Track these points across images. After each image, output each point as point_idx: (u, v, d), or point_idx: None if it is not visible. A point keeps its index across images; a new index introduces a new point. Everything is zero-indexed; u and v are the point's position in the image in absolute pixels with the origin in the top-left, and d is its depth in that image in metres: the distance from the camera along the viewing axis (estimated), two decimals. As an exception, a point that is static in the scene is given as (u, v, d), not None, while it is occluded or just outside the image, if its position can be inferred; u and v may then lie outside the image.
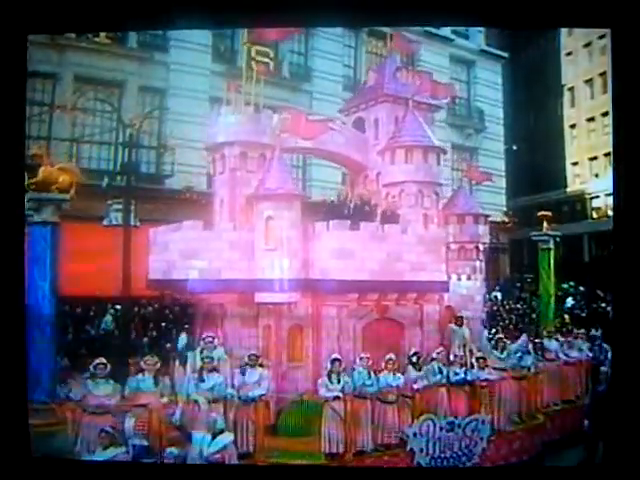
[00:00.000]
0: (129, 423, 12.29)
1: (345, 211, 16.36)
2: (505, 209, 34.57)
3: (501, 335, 17.57)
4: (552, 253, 22.00)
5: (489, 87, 35.27)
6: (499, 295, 29.31)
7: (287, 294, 15.55)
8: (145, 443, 11.95)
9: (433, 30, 32.51)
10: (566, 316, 26.38)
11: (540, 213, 22.95)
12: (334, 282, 15.51)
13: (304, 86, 28.77)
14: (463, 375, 15.65)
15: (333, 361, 14.38)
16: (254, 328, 15.81)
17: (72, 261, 16.29)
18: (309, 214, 16.44)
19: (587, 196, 35.99)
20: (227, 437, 11.88)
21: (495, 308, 26.93)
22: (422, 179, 17.63)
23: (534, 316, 25.74)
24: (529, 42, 35.31)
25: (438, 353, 15.74)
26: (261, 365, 14.32)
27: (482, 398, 15.62)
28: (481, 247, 18.83)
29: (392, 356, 15.04)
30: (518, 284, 32.89)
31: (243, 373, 14.02)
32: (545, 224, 21.87)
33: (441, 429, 14.46)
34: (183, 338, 15.16)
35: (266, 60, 27.39)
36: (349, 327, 16.11)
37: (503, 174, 34.45)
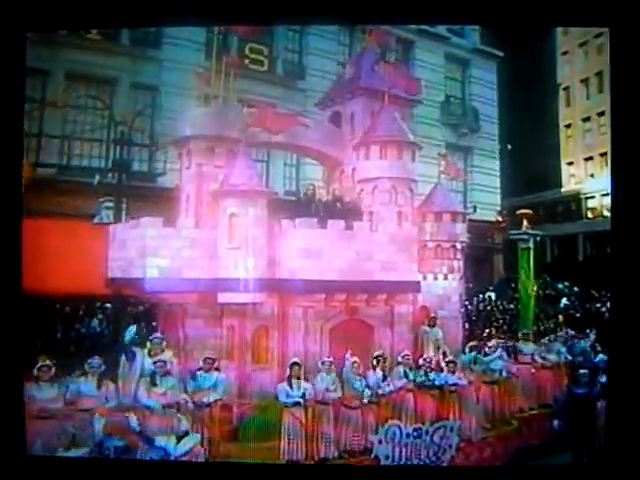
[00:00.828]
0: (99, 424, 11.48)
1: (313, 208, 15.31)
2: (499, 209, 33.44)
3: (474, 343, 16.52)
4: (532, 252, 20.67)
5: (484, 86, 34.24)
6: (493, 295, 28.52)
7: (251, 294, 14.55)
8: (121, 443, 11.20)
9: (428, 28, 31.68)
10: (560, 316, 25.61)
11: (520, 211, 21.86)
12: (300, 282, 14.54)
13: (298, 84, 27.67)
14: (431, 379, 14.65)
15: (292, 365, 13.46)
16: (218, 329, 14.70)
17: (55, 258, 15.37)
18: (278, 211, 15.39)
19: (582, 196, 34.90)
20: (192, 439, 11.63)
21: (489, 308, 26.48)
22: (396, 175, 16.57)
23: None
24: (525, 41, 34.07)
25: (403, 356, 14.75)
26: (217, 369, 13.31)
27: (451, 403, 14.69)
28: (459, 246, 17.76)
29: (356, 359, 14.02)
30: (512, 284, 31.50)
31: (194, 378, 13.05)
32: (525, 222, 20.64)
33: (408, 436, 13.65)
34: (132, 329, 13.88)
35: (260, 58, 27.11)
36: (316, 328, 15.13)
37: (498, 174, 33.34)
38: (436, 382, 14.69)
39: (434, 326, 16.57)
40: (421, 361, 14.87)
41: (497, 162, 33.88)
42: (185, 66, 24.22)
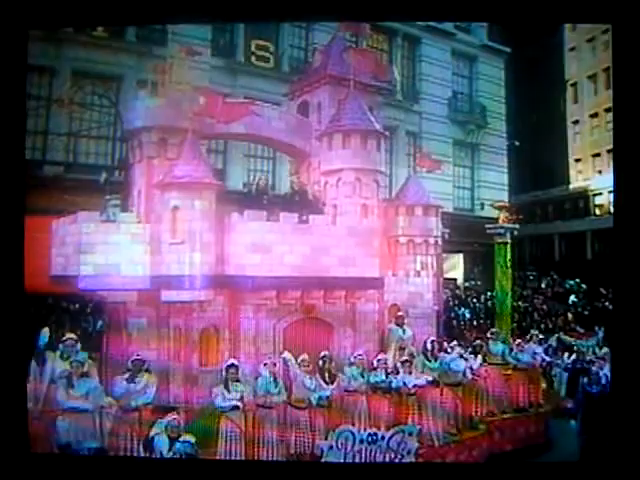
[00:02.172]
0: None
1: (265, 201, 13.77)
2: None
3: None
4: (508, 247, 18.72)
5: (491, 82, 32.62)
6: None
7: (196, 292, 12.99)
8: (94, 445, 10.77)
9: (434, 24, 30.28)
10: (569, 314, 24.89)
11: (497, 203, 19.91)
12: (248, 279, 12.95)
13: None
14: (386, 381, 13.03)
15: (229, 367, 11.94)
16: (164, 329, 13.18)
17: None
18: (232, 204, 13.89)
19: (590, 193, 32.96)
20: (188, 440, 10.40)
21: None
22: (360, 166, 14.93)
23: (536, 315, 24.45)
24: (532, 37, 32.25)
25: (356, 357, 13.11)
26: (147, 371, 11.84)
27: (410, 407, 12.98)
28: (432, 241, 15.99)
29: (305, 357, 12.55)
30: (520, 282, 29.82)
31: (130, 380, 11.63)
32: (502, 215, 18.66)
33: (361, 442, 12.02)
34: (44, 333, 12.36)
35: (266, 55, 25.70)
36: (268, 328, 13.54)
37: (505, 170, 31.62)
38: (392, 384, 12.99)
39: (402, 325, 14.79)
40: (375, 362, 13.13)
41: (505, 159, 32.24)
42: (192, 63, 23.16)
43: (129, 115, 14.41)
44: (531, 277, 30.40)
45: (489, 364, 15.08)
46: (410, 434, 12.45)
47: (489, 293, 26.42)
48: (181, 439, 10.34)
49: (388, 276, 15.56)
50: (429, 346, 14.05)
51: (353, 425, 12.46)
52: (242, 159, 24.29)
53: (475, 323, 23.75)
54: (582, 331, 21.50)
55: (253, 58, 26.25)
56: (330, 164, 15.02)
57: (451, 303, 24.68)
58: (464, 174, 31.97)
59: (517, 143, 31.47)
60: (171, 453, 10.19)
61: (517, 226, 19.03)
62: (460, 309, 25.31)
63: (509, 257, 18.54)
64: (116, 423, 11.32)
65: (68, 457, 10.61)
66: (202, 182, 13.09)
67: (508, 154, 31.98)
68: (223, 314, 13.53)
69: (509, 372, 15.11)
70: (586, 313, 26.25)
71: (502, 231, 18.50)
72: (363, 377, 12.96)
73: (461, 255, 30.81)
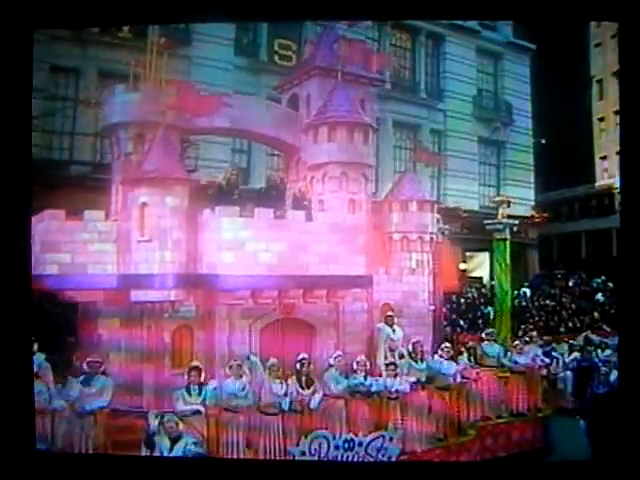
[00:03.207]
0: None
1: (235, 195, 12.66)
2: (533, 203, 30.11)
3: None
4: (508, 244, 17.16)
5: (517, 80, 31.07)
6: (528, 291, 25.74)
7: (167, 292, 11.92)
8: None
9: (459, 22, 28.57)
10: (596, 313, 23.19)
11: (496, 198, 18.37)
12: (219, 277, 11.79)
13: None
14: (366, 384, 11.70)
15: (191, 370, 10.79)
16: (137, 330, 12.15)
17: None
18: (206, 200, 12.82)
19: (615, 190, 30.98)
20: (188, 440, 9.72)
21: (524, 304, 23.85)
22: (346, 160, 13.69)
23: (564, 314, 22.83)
24: (558, 33, 30.53)
25: (335, 358, 11.79)
26: (104, 373, 10.79)
27: (391, 411, 11.66)
28: (427, 237, 14.67)
29: (274, 361, 11.26)
30: (548, 280, 28.30)
31: (85, 383, 10.57)
32: (500, 211, 17.09)
33: (337, 448, 11.00)
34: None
35: (290, 54, 24.65)
36: (244, 328, 12.37)
37: (531, 168, 30.07)
38: (373, 388, 11.70)
39: (391, 325, 13.49)
40: (354, 364, 11.85)
41: (531, 156, 30.58)
42: (215, 62, 22.50)
43: (106, 111, 13.40)
44: (559, 276, 28.67)
45: (484, 367, 13.57)
46: (391, 439, 11.37)
47: (516, 292, 25.35)
48: (184, 443, 9.67)
49: (380, 274, 14.28)
50: (411, 347, 12.67)
51: (329, 430, 11.20)
52: (265, 158, 23.03)
53: None
54: (609, 330, 19.75)
55: (276, 57, 25.13)
56: (316, 158, 13.86)
57: (477, 302, 23.51)
58: (490, 172, 30.42)
59: (543, 141, 29.70)
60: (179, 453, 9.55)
61: (517, 222, 17.50)
62: (486, 308, 23.94)
63: (508, 254, 16.88)
64: (70, 426, 10.34)
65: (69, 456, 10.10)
66: (171, 177, 11.97)
67: (534, 152, 30.16)
68: (197, 314, 12.42)
69: (506, 375, 13.58)
70: (612, 312, 24.42)
71: (501, 227, 16.95)
72: (342, 380, 11.59)
73: (487, 254, 29.22)
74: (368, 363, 12.02)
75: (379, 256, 14.43)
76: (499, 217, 16.89)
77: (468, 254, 28.61)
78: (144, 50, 21.07)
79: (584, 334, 18.80)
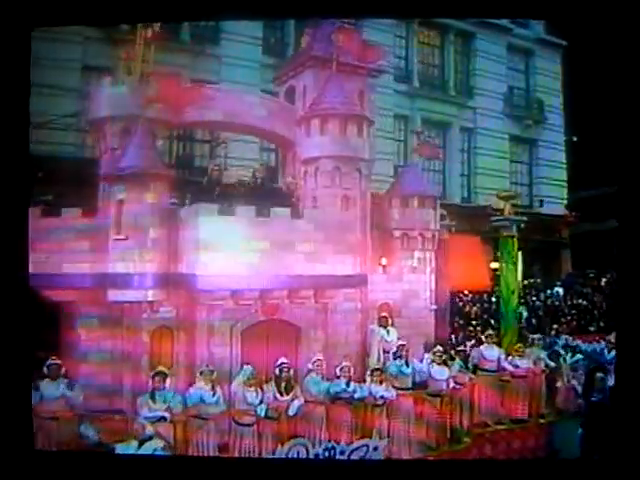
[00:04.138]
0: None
1: (215, 192, 11.79)
2: (566, 203, 28.65)
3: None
4: (515, 241, 15.84)
5: (548, 76, 29.64)
6: (561, 291, 24.50)
7: (144, 291, 11.13)
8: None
9: (489, 19, 26.98)
10: None
11: (501, 193, 17.05)
12: (196, 277, 10.91)
13: None
14: (350, 391, 10.66)
15: (155, 375, 9.91)
16: (117, 331, 11.43)
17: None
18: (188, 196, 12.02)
19: (649, 188, 29.00)
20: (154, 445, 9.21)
21: (557, 304, 22.87)
22: (339, 153, 12.70)
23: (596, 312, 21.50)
24: (589, 29, 28.92)
25: (314, 363, 10.82)
26: (65, 376, 10.03)
27: (376, 418, 10.66)
28: (429, 235, 13.57)
29: (249, 367, 10.32)
30: (580, 279, 26.88)
31: (37, 388, 9.72)
32: (507, 207, 15.80)
33: (317, 456, 10.06)
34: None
35: None
36: (224, 331, 11.45)
37: (564, 166, 28.55)
38: (356, 394, 10.67)
39: (385, 326, 12.47)
40: (337, 370, 10.86)
41: (563, 154, 28.88)
42: (243, 62, 21.95)
43: (92, 105, 12.66)
44: (591, 275, 27.20)
45: (483, 371, 12.44)
46: (375, 448, 10.36)
47: (549, 291, 24.42)
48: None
49: (377, 273, 13.21)
50: (395, 350, 11.63)
51: (308, 438, 10.24)
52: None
53: (534, 322, 21.01)
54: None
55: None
56: (308, 152, 12.88)
57: None
58: (521, 170, 29.08)
59: (575, 139, 28.16)
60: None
61: (524, 218, 16.14)
62: (519, 307, 22.85)
63: (515, 252, 15.62)
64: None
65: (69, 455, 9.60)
66: (149, 173, 11.15)
67: (566, 150, 28.66)
68: (177, 316, 11.51)
69: (507, 379, 12.38)
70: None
71: (507, 223, 15.63)
72: (322, 386, 10.63)
73: (520, 253, 27.94)
74: (352, 369, 10.91)
75: (377, 254, 13.35)
76: (505, 213, 15.55)
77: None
78: (176, 49, 20.70)
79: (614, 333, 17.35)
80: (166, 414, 9.76)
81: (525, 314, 21.89)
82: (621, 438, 8.71)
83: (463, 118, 28.01)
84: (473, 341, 13.71)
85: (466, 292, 19.28)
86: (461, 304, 18.86)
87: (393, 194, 13.82)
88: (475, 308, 18.75)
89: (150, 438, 9.26)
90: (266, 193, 12.03)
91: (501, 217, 15.67)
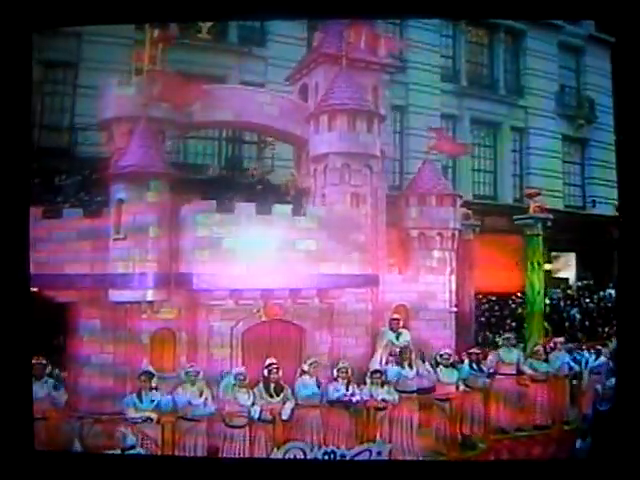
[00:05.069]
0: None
1: (224, 190, 11.36)
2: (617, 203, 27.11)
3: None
4: (540, 240, 14.75)
5: (599, 75, 27.84)
6: (613, 292, 22.76)
7: (144, 292, 10.76)
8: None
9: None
10: None
11: (528, 190, 15.98)
12: (193, 277, 10.48)
13: (399, 77, 22.91)
14: (348, 394, 10.00)
15: (141, 375, 9.54)
16: (122, 331, 11.10)
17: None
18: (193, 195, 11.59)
19: None
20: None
21: (610, 305, 21.14)
22: (347, 150, 12.05)
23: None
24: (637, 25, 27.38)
25: (310, 364, 10.22)
26: (51, 375, 9.77)
27: (378, 423, 9.98)
28: (448, 234, 12.77)
29: (241, 370, 9.81)
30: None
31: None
32: (532, 204, 14.74)
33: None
34: None
35: None
36: (224, 332, 10.97)
37: (614, 167, 26.93)
38: (355, 397, 9.98)
39: (396, 329, 11.74)
40: (335, 372, 10.21)
41: (614, 154, 27.34)
42: (289, 63, 21.29)
43: (101, 106, 12.39)
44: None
45: (500, 374, 11.56)
46: (379, 453, 9.69)
47: (601, 293, 22.86)
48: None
49: (392, 273, 12.50)
50: (398, 352, 10.88)
51: (306, 442, 9.64)
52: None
53: (587, 324, 20.34)
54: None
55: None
56: (317, 149, 12.31)
57: (562, 303, 21.44)
58: (574, 171, 27.74)
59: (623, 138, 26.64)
60: None
61: (550, 216, 15.05)
62: (571, 309, 21.82)
63: (541, 251, 14.56)
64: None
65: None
66: (148, 172, 10.78)
67: (618, 149, 27.11)
68: (179, 316, 11.11)
69: (526, 383, 11.46)
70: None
71: (532, 222, 14.61)
72: (316, 389, 10.01)
73: (573, 254, 26.75)
74: (350, 370, 10.22)
75: (392, 254, 12.64)
76: (530, 211, 14.54)
77: (553, 254, 26.13)
78: (225, 51, 20.48)
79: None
80: (152, 415, 9.25)
81: (578, 316, 20.94)
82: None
83: (514, 118, 26.79)
84: (493, 344, 12.68)
85: (491, 294, 18.23)
86: (486, 306, 17.85)
87: (410, 192, 13.05)
88: (499, 310, 17.68)
89: (132, 447, 8.88)
90: (266, 190, 11.38)
91: (526, 216, 14.63)
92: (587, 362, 12.22)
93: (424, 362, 11.02)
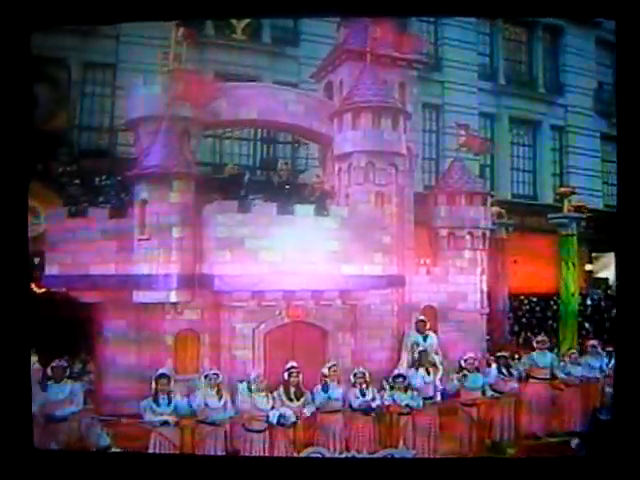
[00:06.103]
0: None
1: (241, 189, 10.98)
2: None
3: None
4: (575, 240, 13.99)
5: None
6: None
7: (167, 293, 10.48)
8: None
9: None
10: None
11: (560, 189, 15.19)
12: (214, 278, 10.17)
13: (434, 76, 22.46)
14: (367, 400, 9.61)
15: (158, 378, 9.17)
16: (146, 332, 10.87)
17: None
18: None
19: None
20: None
21: None
22: (371, 148, 11.62)
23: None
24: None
25: (330, 368, 9.77)
26: (71, 377, 9.48)
27: (402, 429, 9.49)
28: (478, 233, 12.20)
29: (259, 373, 9.48)
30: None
31: (44, 389, 9.20)
32: (566, 204, 13.99)
33: (336, 462, 8.78)
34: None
35: None
36: (246, 333, 10.58)
37: (655, 164, 25.87)
38: (374, 403, 9.52)
39: (422, 331, 11.23)
40: (352, 377, 9.73)
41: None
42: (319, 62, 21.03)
43: (127, 106, 12.14)
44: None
45: (534, 379, 10.98)
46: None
47: None
48: None
49: (420, 274, 11.99)
50: (416, 356, 10.35)
51: (326, 447, 9.21)
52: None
53: None
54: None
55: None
56: (341, 148, 11.88)
57: (603, 304, 20.51)
58: (613, 170, 26.69)
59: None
60: None
61: (584, 215, 14.29)
62: (612, 310, 21.02)
63: (575, 251, 13.81)
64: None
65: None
66: (171, 172, 10.47)
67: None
68: (202, 317, 10.82)
69: (562, 387, 10.86)
70: None
71: (566, 221, 13.90)
72: (337, 393, 9.57)
73: (613, 254, 25.71)
74: (367, 375, 9.72)
75: (420, 254, 12.13)
76: (565, 210, 13.82)
77: (594, 254, 25.26)
78: (258, 52, 20.18)
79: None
80: (170, 419, 8.89)
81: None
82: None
83: (553, 116, 25.94)
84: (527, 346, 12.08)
85: (525, 295, 17.51)
86: (519, 307, 17.14)
87: (438, 190, 12.51)
88: (532, 311, 16.94)
89: (108, 448, 8.69)
90: (291, 191, 10.98)
91: (559, 215, 13.92)
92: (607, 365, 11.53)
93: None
